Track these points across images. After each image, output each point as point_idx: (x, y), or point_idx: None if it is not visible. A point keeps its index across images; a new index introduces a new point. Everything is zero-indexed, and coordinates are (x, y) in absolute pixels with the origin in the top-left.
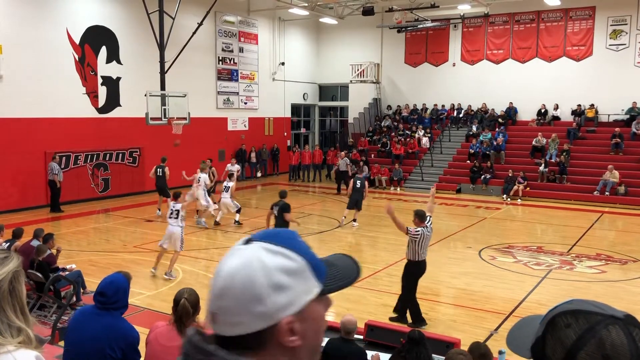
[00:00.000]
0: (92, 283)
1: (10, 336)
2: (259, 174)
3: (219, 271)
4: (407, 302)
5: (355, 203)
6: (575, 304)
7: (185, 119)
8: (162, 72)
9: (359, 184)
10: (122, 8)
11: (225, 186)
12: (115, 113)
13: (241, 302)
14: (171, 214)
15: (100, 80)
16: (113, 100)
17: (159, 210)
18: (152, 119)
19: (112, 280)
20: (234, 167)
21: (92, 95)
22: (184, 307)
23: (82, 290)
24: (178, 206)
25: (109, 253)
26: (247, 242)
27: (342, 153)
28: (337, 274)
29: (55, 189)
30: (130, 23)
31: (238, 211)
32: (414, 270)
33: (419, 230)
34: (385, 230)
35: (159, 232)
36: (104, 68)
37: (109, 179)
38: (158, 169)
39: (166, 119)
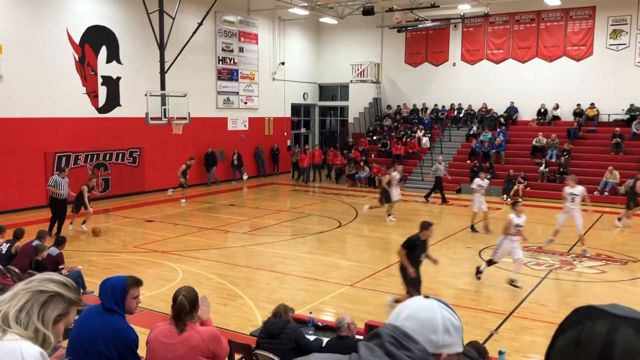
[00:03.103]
0: (92, 283)
1: (23, 329)
2: (245, 177)
3: (408, 304)
4: None
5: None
6: (605, 306)
7: (185, 118)
8: (162, 72)
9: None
10: (122, 8)
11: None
12: (115, 113)
13: (422, 328)
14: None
15: (100, 80)
16: (113, 100)
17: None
18: (152, 118)
19: (106, 280)
20: None
21: (92, 95)
22: (181, 304)
23: (81, 291)
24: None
25: (108, 253)
26: (427, 297)
27: (440, 157)
28: (469, 349)
29: (58, 207)
30: (130, 23)
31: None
32: None
33: None
34: (385, 231)
35: (159, 232)
36: (104, 68)
37: (109, 179)
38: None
39: (166, 119)
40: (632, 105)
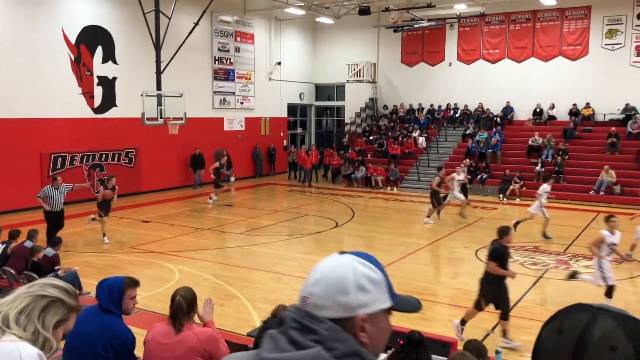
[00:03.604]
0: (88, 284)
1: (22, 330)
2: (232, 179)
3: (318, 267)
4: None
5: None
6: (593, 303)
7: (181, 119)
8: (158, 72)
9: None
10: (118, 8)
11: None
12: (111, 113)
13: (331, 291)
14: None
15: (96, 81)
16: (109, 101)
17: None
18: (148, 119)
19: (103, 280)
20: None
21: (88, 95)
22: (179, 304)
23: (78, 292)
24: None
25: (105, 254)
26: (342, 253)
27: (467, 160)
28: (404, 301)
29: (51, 219)
30: (126, 23)
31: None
32: None
33: None
34: (381, 230)
35: (155, 232)
36: (100, 68)
37: (105, 180)
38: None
39: (162, 119)
40: (627, 104)
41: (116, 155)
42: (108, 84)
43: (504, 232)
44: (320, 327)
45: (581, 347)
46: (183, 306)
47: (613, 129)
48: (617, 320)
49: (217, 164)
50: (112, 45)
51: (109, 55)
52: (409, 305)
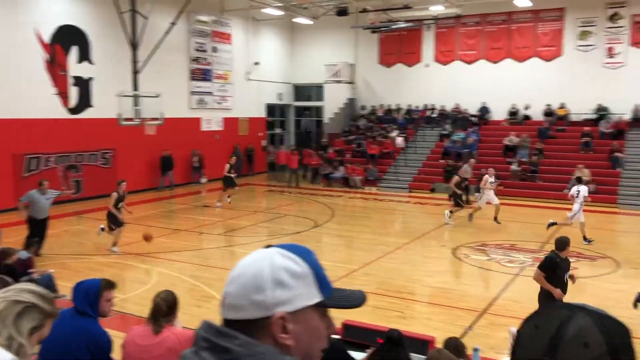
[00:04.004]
0: (65, 287)
1: None
2: (202, 180)
3: (238, 263)
4: None
5: None
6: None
7: (158, 119)
8: (135, 72)
9: None
10: (93, 7)
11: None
12: (87, 114)
13: (245, 289)
14: None
15: (71, 81)
16: (84, 101)
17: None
18: (124, 119)
19: (79, 282)
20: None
21: (63, 95)
22: (158, 306)
23: (53, 295)
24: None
25: (81, 256)
26: (267, 247)
27: (472, 160)
28: (342, 295)
29: (35, 226)
30: (102, 22)
31: None
32: None
33: None
34: (361, 230)
35: (132, 234)
36: (75, 68)
37: (81, 181)
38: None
39: (139, 120)
40: (599, 105)
41: (92, 156)
42: (83, 84)
43: (564, 243)
44: (232, 344)
45: (555, 343)
46: (162, 307)
47: (586, 128)
48: (594, 318)
49: (227, 166)
50: (87, 45)
51: (85, 55)
52: (346, 300)
